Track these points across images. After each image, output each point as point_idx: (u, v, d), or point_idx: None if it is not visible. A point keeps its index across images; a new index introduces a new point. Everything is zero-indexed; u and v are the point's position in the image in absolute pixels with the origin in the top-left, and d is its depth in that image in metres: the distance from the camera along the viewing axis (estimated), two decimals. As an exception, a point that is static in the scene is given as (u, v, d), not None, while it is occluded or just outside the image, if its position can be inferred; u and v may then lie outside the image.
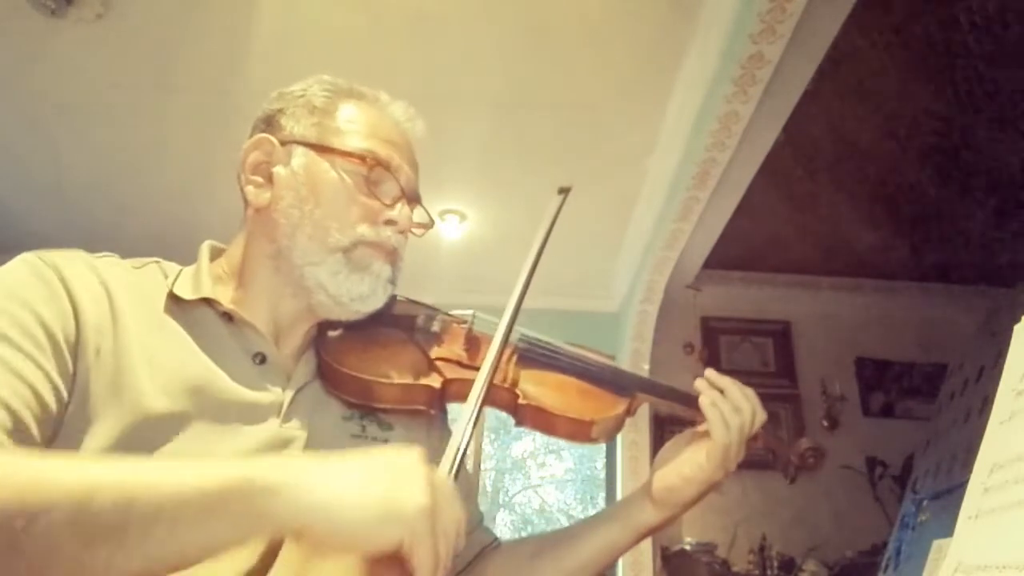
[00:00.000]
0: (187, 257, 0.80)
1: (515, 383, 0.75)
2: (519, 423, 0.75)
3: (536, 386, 0.76)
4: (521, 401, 0.74)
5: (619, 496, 3.42)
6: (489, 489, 8.23)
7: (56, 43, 2.36)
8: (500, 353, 0.68)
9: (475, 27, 2.29)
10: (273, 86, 0.82)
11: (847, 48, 2.30)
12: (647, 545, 3.23)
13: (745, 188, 2.84)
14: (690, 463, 0.76)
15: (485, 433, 5.87)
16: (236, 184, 0.77)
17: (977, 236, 3.35)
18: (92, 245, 0.69)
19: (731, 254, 3.56)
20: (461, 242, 3.46)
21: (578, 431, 0.74)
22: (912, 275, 3.75)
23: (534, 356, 0.79)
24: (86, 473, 0.46)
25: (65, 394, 0.58)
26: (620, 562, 3.27)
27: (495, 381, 0.72)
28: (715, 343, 3.71)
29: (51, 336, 0.57)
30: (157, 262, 0.72)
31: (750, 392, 0.77)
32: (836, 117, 2.72)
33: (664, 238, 3.06)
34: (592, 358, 0.81)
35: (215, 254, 0.77)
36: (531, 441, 8.85)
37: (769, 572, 3.12)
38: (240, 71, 2.45)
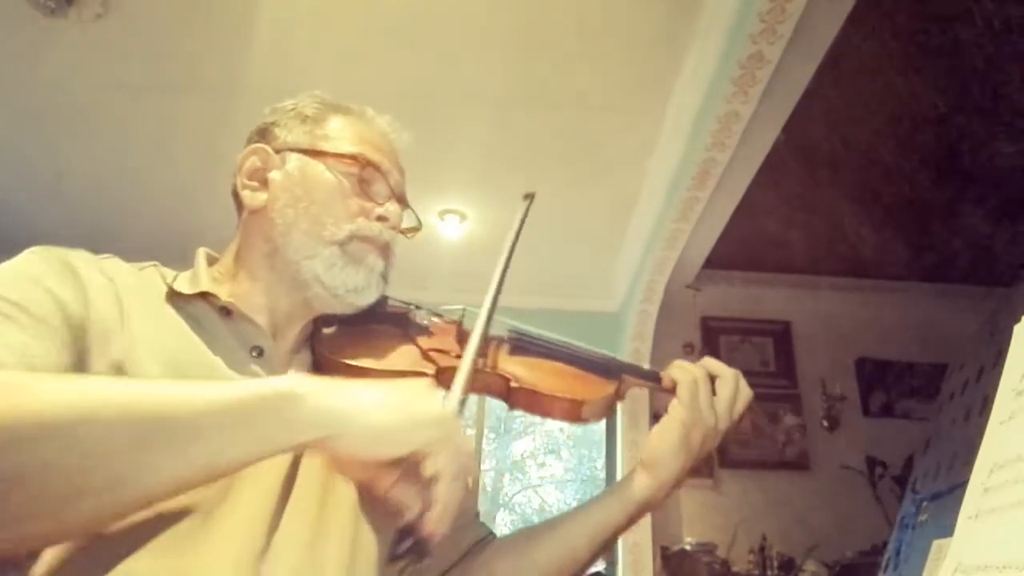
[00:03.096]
0: (188, 257, 0.81)
1: (507, 369, 0.77)
2: (512, 407, 0.77)
3: (527, 371, 0.78)
4: (513, 385, 0.76)
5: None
6: (489, 489, 8.23)
7: (56, 43, 2.36)
8: (486, 328, 0.71)
9: (475, 27, 2.29)
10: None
11: (847, 48, 2.30)
12: (647, 545, 3.23)
13: (745, 188, 2.84)
14: (669, 417, 0.79)
15: (485, 433, 5.87)
16: (232, 193, 0.79)
17: (977, 236, 3.35)
18: (92, 245, 0.70)
19: (731, 254, 3.56)
20: (461, 242, 3.46)
21: (570, 411, 0.77)
22: (912, 275, 3.75)
23: (524, 345, 0.82)
24: (127, 388, 0.51)
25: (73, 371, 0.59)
26: (620, 562, 3.27)
27: (486, 368, 0.76)
28: (715, 343, 3.71)
29: (64, 311, 0.59)
30: (155, 265, 0.74)
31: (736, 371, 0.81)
32: (836, 117, 2.72)
33: (664, 238, 3.06)
34: (580, 346, 0.84)
35: (211, 261, 0.79)
36: (531, 441, 8.86)
37: (769, 572, 3.12)
38: (240, 71, 2.45)
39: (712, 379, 0.79)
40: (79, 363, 0.59)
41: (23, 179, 3.18)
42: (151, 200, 3.28)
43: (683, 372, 0.79)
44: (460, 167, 2.98)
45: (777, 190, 3.11)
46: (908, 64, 2.45)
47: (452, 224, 3.35)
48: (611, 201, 3.18)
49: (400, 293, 0.85)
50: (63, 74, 2.52)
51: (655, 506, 0.78)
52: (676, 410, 0.77)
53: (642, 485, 0.77)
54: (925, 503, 1.09)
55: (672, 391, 0.79)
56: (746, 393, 0.80)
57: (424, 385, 0.60)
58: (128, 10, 2.23)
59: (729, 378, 0.79)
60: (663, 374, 0.81)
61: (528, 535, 0.82)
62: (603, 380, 0.80)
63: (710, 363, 0.81)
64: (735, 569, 3.11)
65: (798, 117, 2.43)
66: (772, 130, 2.49)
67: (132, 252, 0.74)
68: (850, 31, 2.13)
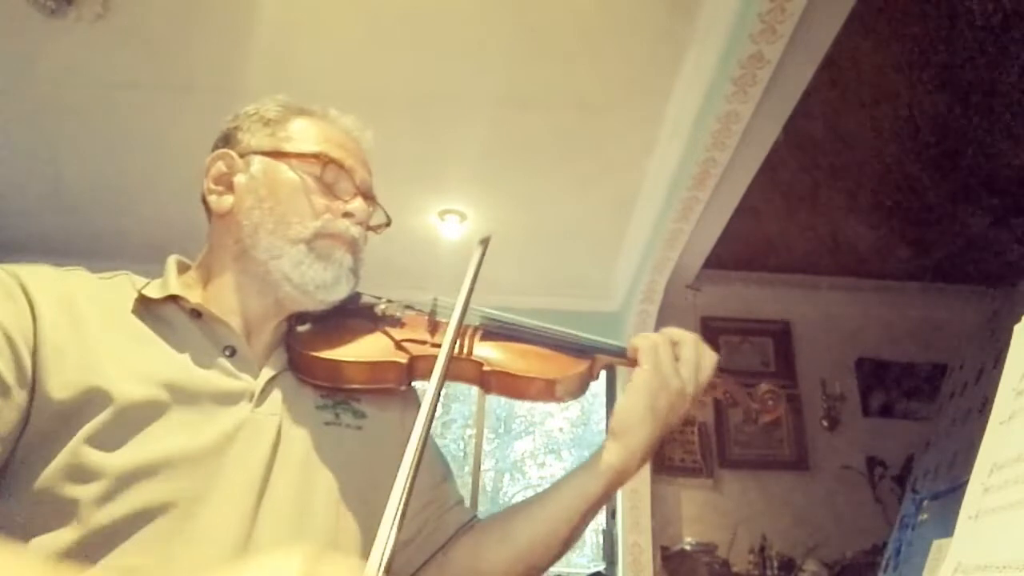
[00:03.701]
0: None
1: (479, 354, 0.78)
2: (486, 391, 0.78)
3: (499, 354, 0.79)
4: (485, 368, 0.77)
5: (616, 496, 3.42)
6: (489, 489, 8.23)
7: (56, 43, 2.36)
8: (455, 340, 0.70)
9: (475, 27, 2.29)
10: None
11: (847, 48, 2.30)
12: (647, 545, 3.23)
13: (745, 188, 2.84)
14: (632, 384, 0.78)
15: (485, 433, 5.87)
16: (200, 199, 0.80)
17: (977, 236, 3.35)
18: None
19: (731, 254, 3.56)
20: (461, 242, 3.46)
21: (544, 390, 0.77)
22: (912, 275, 3.75)
23: (495, 330, 0.83)
24: None
25: (23, 393, 0.60)
26: (620, 562, 3.27)
27: (459, 355, 0.77)
28: (715, 343, 3.65)
29: (8, 337, 0.60)
30: (126, 274, 0.75)
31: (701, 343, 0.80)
32: (836, 117, 2.72)
33: (664, 238, 3.06)
34: (551, 327, 0.84)
35: (182, 268, 0.80)
36: (531, 441, 8.86)
37: (769, 572, 3.12)
38: (240, 71, 2.45)
39: (674, 345, 0.79)
40: (31, 381, 0.60)
41: (23, 179, 3.18)
42: (151, 200, 3.28)
43: (643, 339, 0.79)
44: (460, 167, 2.98)
45: (777, 190, 3.11)
46: (908, 64, 2.45)
47: (452, 224, 3.35)
48: (611, 201, 3.18)
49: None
50: (63, 74, 2.52)
51: (629, 474, 0.77)
52: (639, 376, 0.77)
53: (612, 455, 0.77)
54: (925, 503, 1.09)
55: (637, 362, 0.79)
56: (710, 356, 0.80)
57: (292, 564, 0.43)
58: (128, 10, 2.23)
59: (689, 342, 0.79)
60: (627, 344, 0.82)
61: (509, 515, 0.82)
62: (575, 359, 0.81)
63: (671, 330, 0.81)
64: (735, 569, 3.11)
65: (798, 117, 2.43)
66: (772, 130, 2.48)
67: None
68: (850, 31, 2.13)
